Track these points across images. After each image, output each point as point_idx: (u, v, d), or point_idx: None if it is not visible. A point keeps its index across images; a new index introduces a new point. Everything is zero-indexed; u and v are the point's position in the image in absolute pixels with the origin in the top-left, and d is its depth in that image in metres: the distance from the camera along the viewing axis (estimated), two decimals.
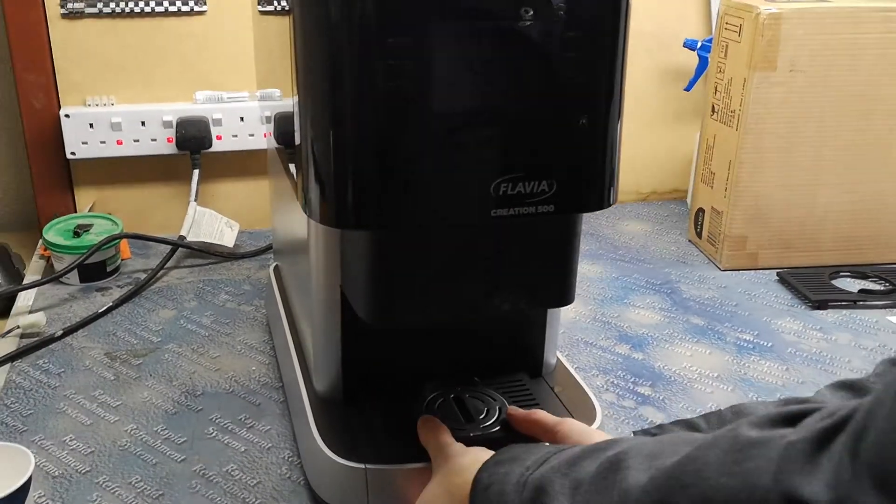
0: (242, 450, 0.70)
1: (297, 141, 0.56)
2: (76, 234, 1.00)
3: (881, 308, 0.98)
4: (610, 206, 0.57)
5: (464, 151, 0.52)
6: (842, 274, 1.06)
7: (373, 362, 0.66)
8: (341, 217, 0.53)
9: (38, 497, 0.63)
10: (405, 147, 0.52)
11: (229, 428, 0.73)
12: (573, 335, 0.91)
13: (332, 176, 0.53)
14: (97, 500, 0.64)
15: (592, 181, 0.56)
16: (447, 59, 0.51)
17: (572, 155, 0.54)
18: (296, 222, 0.71)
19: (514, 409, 0.64)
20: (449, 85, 0.51)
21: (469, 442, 0.58)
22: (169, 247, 1.05)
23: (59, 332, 0.86)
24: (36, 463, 0.60)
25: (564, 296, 0.60)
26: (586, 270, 1.08)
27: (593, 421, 0.66)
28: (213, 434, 0.72)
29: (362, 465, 0.59)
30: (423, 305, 0.57)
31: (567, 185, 0.54)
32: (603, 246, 1.16)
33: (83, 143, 1.08)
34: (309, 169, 0.54)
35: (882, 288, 1.03)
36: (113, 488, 0.65)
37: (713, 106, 1.08)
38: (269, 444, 0.71)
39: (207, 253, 1.08)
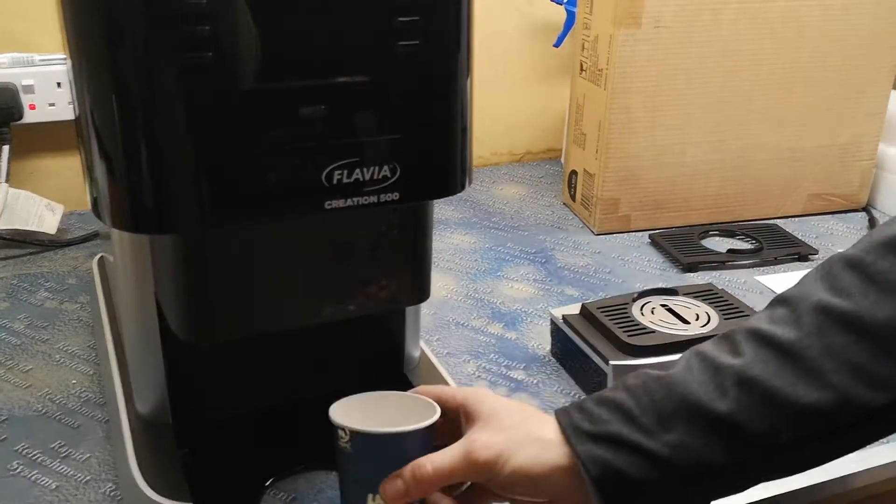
0: (53, 487, 0.59)
1: (76, 115, 0.45)
2: None
3: (749, 267, 0.97)
4: (463, 189, 0.50)
5: (285, 133, 0.43)
6: (710, 233, 1.05)
7: (207, 378, 0.57)
8: (140, 219, 0.44)
9: None
10: (218, 130, 0.42)
11: (39, 460, 0.62)
12: (444, 315, 0.85)
13: (123, 166, 0.43)
14: None
15: (441, 163, 0.48)
16: (256, 20, 0.41)
17: (416, 135, 0.46)
18: None
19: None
20: (264, 57, 0.42)
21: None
22: None
23: None
24: None
25: (418, 293, 0.53)
26: (459, 241, 1.01)
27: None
28: (18, 469, 0.61)
29: None
30: (249, 318, 0.48)
31: (412, 169, 0.47)
32: (477, 213, 1.10)
33: None
34: (93, 155, 0.43)
35: (749, 246, 1.02)
36: None
37: (581, 64, 1.03)
38: (88, 477, 0.60)
39: (24, 242, 0.94)
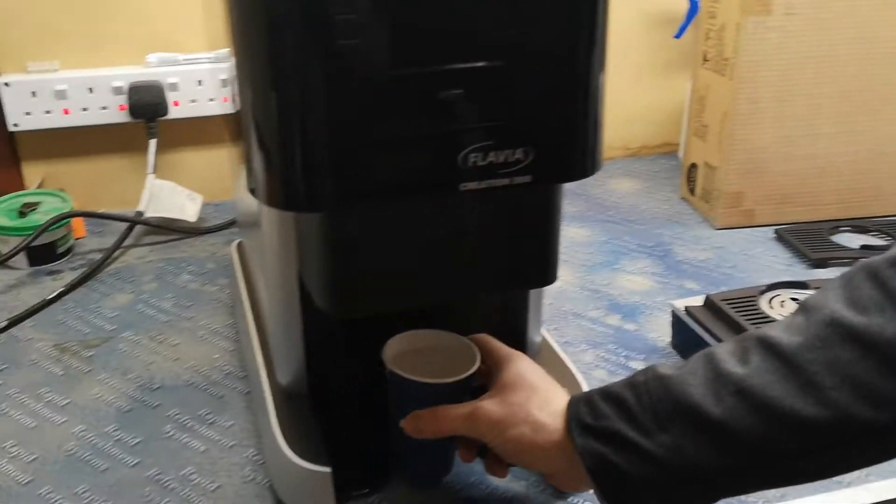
0: (202, 449, 0.64)
1: (237, 107, 0.49)
2: (22, 214, 0.93)
3: None
4: (594, 173, 0.51)
5: (426, 118, 0.46)
6: (842, 229, 1.01)
7: (342, 354, 0.60)
8: (291, 199, 0.47)
9: None
10: (359, 116, 0.45)
11: (188, 425, 0.67)
12: (561, 306, 0.86)
13: (278, 151, 0.46)
14: None
15: (574, 147, 0.49)
16: (402, 11, 0.44)
17: (550, 118, 0.47)
18: (250, 197, 0.65)
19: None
20: (405, 43, 0.44)
21: None
22: (125, 224, 0.98)
23: (4, 323, 0.80)
24: None
25: (546, 276, 0.54)
26: (574, 234, 1.02)
27: None
28: (171, 433, 0.66)
29: (328, 469, 0.54)
30: (389, 293, 0.51)
31: (545, 152, 0.48)
32: (591, 207, 1.10)
33: (26, 113, 1.00)
34: (251, 142, 0.47)
35: (884, 243, 0.97)
36: (56, 500, 0.59)
37: (705, 54, 1.01)
38: (232, 442, 0.65)
39: (168, 229, 1.01)
